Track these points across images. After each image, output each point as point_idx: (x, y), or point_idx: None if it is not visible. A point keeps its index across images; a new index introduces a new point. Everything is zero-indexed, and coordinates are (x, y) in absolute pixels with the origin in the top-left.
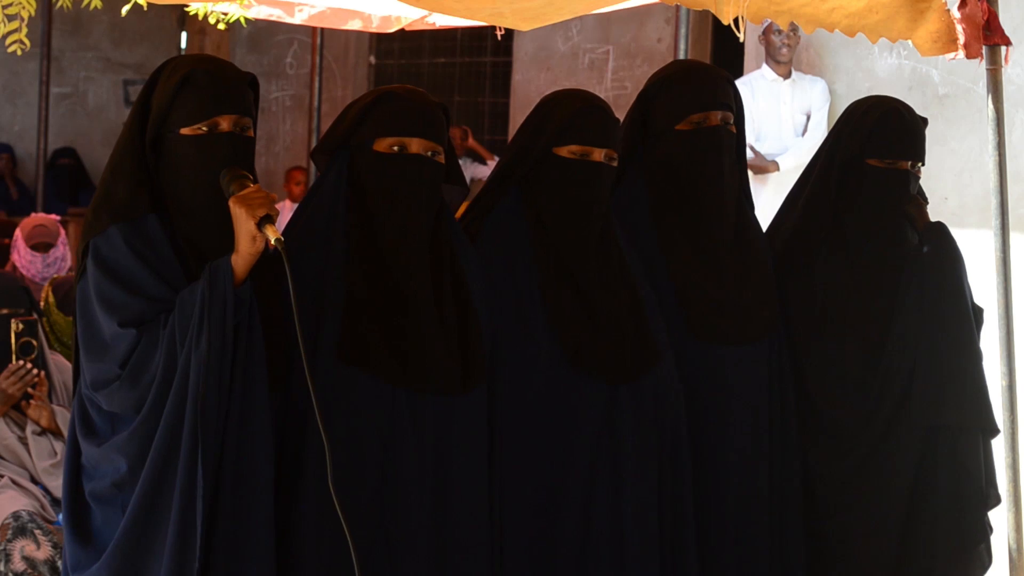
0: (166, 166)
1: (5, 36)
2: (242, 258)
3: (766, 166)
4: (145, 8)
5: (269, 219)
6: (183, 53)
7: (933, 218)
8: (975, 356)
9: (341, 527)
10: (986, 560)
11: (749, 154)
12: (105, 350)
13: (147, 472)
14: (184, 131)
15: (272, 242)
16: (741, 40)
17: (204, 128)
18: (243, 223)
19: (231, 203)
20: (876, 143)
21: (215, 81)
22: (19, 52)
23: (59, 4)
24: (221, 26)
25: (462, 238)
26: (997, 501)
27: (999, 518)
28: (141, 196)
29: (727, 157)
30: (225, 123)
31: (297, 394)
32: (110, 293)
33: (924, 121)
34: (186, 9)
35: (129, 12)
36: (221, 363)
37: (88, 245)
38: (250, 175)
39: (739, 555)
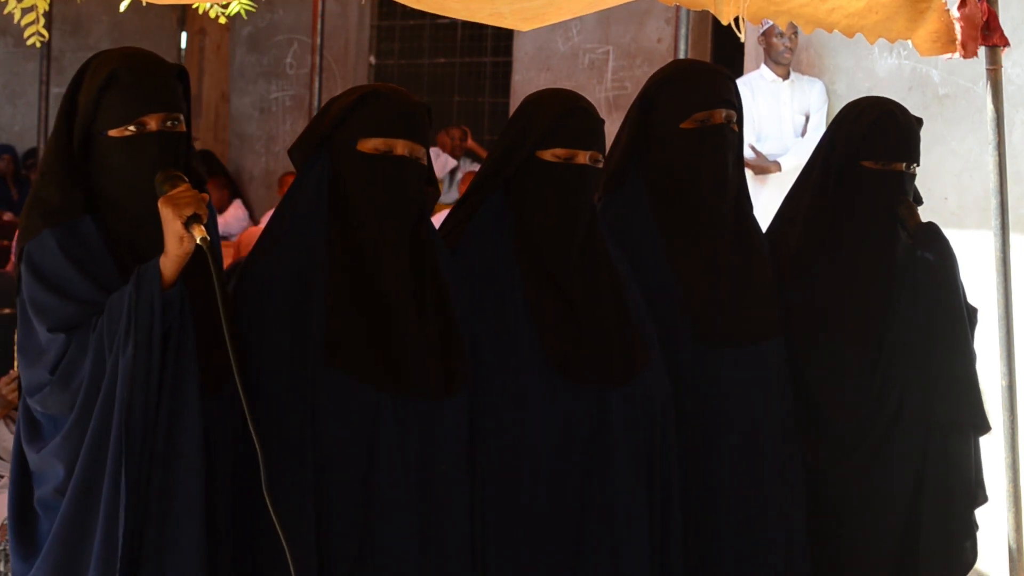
0: (97, 167)
1: (26, 27)
2: (170, 260)
3: (768, 166)
4: (144, 5)
5: (197, 218)
6: (181, 53)
7: (934, 218)
8: (968, 355)
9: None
10: (971, 557)
11: (751, 154)
12: (39, 355)
13: (76, 476)
14: (112, 133)
15: (198, 240)
16: (741, 40)
17: (132, 129)
18: (170, 223)
19: (159, 204)
20: (871, 145)
21: (140, 79)
22: (38, 44)
23: None
24: (222, 20)
25: (439, 242)
26: (984, 499)
27: (999, 518)
28: (74, 198)
29: (730, 156)
30: (153, 122)
31: (279, 396)
32: (41, 299)
33: (919, 121)
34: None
35: (129, 13)
36: (148, 367)
37: (23, 250)
38: (183, 175)
39: (744, 555)
